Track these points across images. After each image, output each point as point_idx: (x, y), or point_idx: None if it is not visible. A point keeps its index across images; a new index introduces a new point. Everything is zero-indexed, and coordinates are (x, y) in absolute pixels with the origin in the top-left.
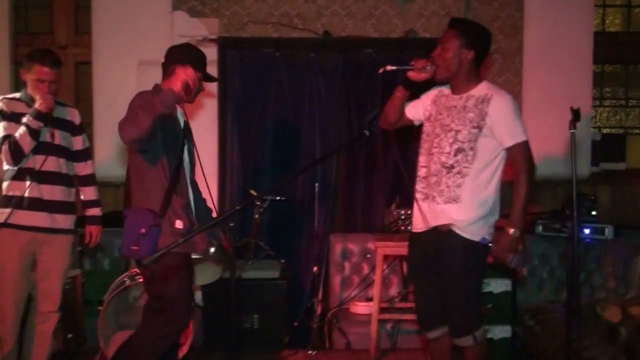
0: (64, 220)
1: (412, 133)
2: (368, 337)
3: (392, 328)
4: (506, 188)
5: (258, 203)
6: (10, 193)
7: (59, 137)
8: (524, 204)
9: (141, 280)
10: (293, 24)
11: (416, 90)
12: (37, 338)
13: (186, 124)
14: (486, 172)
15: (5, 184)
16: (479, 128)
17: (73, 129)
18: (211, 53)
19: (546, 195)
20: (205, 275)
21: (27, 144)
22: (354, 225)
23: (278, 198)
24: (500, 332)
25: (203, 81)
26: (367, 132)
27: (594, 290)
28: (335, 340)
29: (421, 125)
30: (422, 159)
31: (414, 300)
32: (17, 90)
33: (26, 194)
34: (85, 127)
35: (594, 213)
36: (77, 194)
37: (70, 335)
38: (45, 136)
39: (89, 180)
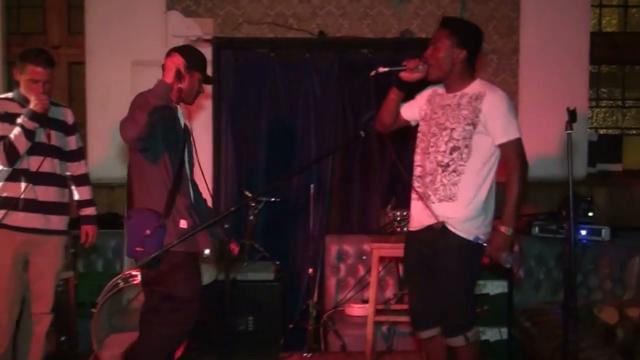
0: (58, 222)
1: (408, 133)
2: (364, 340)
3: (387, 330)
4: (501, 189)
5: (253, 204)
6: (5, 194)
7: (55, 138)
8: (516, 202)
9: (135, 282)
10: (288, 24)
11: (411, 91)
12: (29, 340)
13: (186, 125)
14: (481, 170)
15: None
16: (473, 125)
17: (66, 129)
18: (205, 53)
19: (542, 197)
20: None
21: (22, 145)
22: (350, 227)
23: (273, 199)
24: (496, 334)
25: (203, 83)
26: (362, 133)
27: (590, 291)
28: (331, 342)
29: (417, 125)
30: (417, 159)
31: (409, 300)
32: (9, 91)
33: (22, 196)
34: (78, 128)
35: (590, 214)
36: (70, 194)
37: (63, 338)
38: (41, 137)
39: (84, 179)
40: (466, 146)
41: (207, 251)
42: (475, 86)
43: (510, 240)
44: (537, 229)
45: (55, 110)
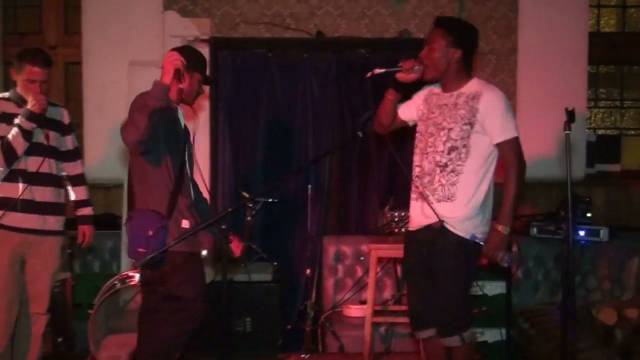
0: (55, 222)
1: (406, 133)
2: (362, 341)
3: (385, 331)
4: (499, 190)
5: (250, 205)
6: (2, 195)
7: (53, 138)
8: (513, 201)
9: (132, 283)
10: (285, 24)
11: (408, 91)
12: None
13: (186, 125)
14: (480, 169)
15: None
16: (471, 125)
17: (63, 129)
18: (203, 53)
19: (541, 197)
20: None
21: (20, 146)
22: (348, 228)
23: (270, 200)
24: (495, 334)
25: (202, 84)
26: (360, 134)
27: (589, 292)
28: (329, 343)
29: (415, 125)
30: (416, 159)
31: (408, 300)
32: (6, 91)
33: (20, 196)
34: (75, 128)
35: (589, 215)
36: (66, 194)
37: (60, 339)
38: (40, 138)
39: (80, 179)
40: (464, 146)
41: (204, 252)
42: (472, 85)
43: (508, 240)
44: (535, 230)
45: (53, 110)
